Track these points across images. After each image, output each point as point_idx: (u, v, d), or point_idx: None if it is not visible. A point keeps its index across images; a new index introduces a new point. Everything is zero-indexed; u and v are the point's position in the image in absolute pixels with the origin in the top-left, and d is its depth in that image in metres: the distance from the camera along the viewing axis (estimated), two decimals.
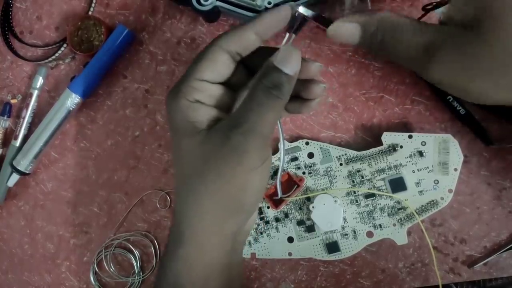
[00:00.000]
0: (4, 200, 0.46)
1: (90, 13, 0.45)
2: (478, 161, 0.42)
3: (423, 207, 0.41)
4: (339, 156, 0.42)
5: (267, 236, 0.43)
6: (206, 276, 0.32)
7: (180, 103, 0.31)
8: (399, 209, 0.41)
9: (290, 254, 0.42)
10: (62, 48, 0.45)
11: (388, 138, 0.41)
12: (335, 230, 0.42)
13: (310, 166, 0.42)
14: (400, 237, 0.41)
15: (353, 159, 0.42)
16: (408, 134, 0.41)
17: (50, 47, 0.46)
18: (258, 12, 0.40)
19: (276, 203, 0.42)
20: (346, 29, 0.32)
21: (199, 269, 0.32)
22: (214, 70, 0.31)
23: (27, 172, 0.44)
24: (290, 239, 0.42)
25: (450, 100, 0.42)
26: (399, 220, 0.41)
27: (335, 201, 0.41)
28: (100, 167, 0.46)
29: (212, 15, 0.41)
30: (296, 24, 0.36)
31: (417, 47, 0.31)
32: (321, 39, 0.43)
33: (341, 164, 0.42)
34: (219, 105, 0.32)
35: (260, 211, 0.43)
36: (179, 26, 0.45)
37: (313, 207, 0.41)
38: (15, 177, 0.44)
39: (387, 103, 0.43)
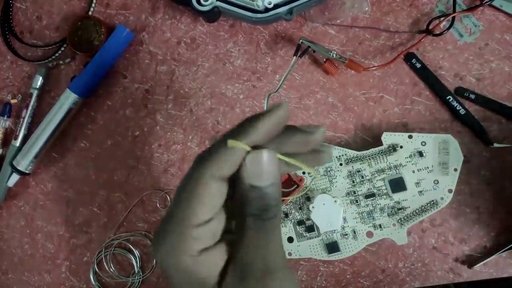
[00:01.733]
0: (4, 200, 0.46)
1: (90, 13, 0.45)
2: (478, 161, 0.42)
3: (423, 207, 0.41)
4: (339, 156, 0.42)
5: None
6: None
7: (183, 263, 0.24)
8: (399, 209, 0.41)
9: (290, 254, 0.42)
10: (62, 48, 0.45)
11: (388, 138, 0.41)
12: (335, 230, 0.42)
13: None
14: (400, 237, 0.41)
15: (353, 159, 0.42)
16: (408, 134, 0.41)
17: (50, 47, 0.46)
18: (258, 12, 0.40)
19: None
20: None
21: None
22: (212, 206, 0.24)
23: (27, 172, 0.44)
24: (290, 239, 0.42)
25: (450, 100, 0.42)
26: (399, 220, 0.41)
27: (335, 201, 0.41)
28: (100, 167, 0.46)
29: (212, 15, 0.41)
30: (301, 51, 0.41)
31: None
32: (321, 39, 0.43)
33: (341, 164, 0.42)
34: (222, 237, 0.26)
35: None
36: (179, 26, 0.45)
37: (313, 207, 0.41)
38: (15, 177, 0.44)
39: (387, 103, 0.43)
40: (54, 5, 0.46)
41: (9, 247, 0.46)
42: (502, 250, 0.41)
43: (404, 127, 0.43)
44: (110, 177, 0.45)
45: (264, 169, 0.24)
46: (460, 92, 0.42)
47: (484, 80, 0.42)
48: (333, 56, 0.41)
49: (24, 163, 0.44)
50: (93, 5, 0.45)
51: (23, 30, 0.46)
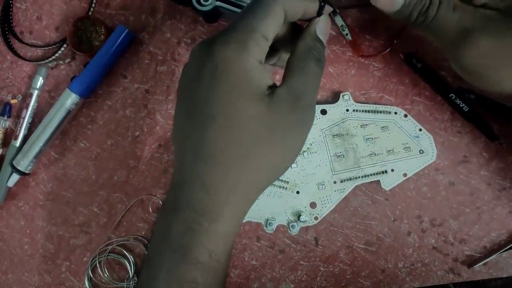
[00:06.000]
0: (4, 200, 0.46)
1: (90, 13, 0.45)
2: (478, 161, 0.42)
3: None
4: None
5: None
6: (231, 247, 0.31)
7: (248, 63, 0.28)
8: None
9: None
10: (62, 48, 0.45)
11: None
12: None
13: None
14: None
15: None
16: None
17: (50, 47, 0.46)
18: None
19: None
20: None
21: (230, 240, 0.31)
22: (276, 29, 0.30)
23: (27, 172, 0.44)
24: None
25: (453, 98, 0.41)
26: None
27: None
28: (100, 167, 0.46)
29: (212, 16, 0.41)
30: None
31: (454, 26, 0.32)
32: None
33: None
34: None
35: None
36: (179, 26, 0.45)
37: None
38: (15, 177, 0.44)
39: (387, 103, 0.43)
40: (54, 5, 0.46)
41: (9, 247, 0.46)
42: (502, 250, 0.41)
43: None
44: (110, 177, 0.45)
45: (328, 28, 0.32)
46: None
47: None
48: (343, 29, 0.41)
49: (24, 163, 0.44)
50: (93, 5, 0.45)
51: (23, 30, 0.46)
